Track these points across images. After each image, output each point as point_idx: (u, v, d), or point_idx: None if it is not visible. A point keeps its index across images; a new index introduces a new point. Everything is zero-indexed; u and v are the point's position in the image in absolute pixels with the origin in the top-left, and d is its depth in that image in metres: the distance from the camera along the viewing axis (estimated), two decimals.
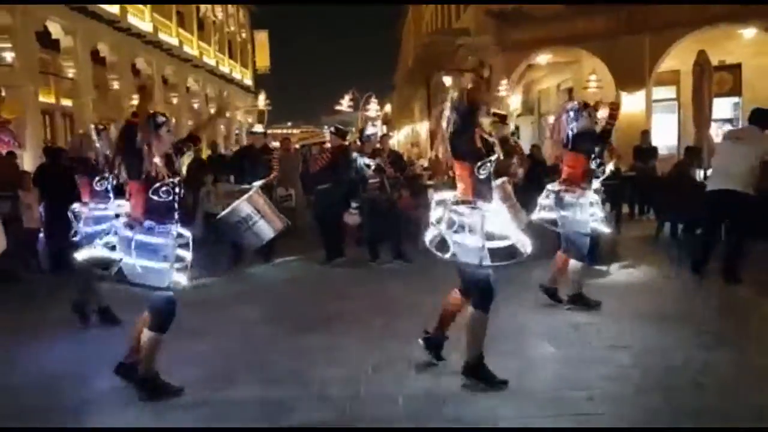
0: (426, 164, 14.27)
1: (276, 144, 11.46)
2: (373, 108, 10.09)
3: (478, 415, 3.27)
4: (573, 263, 4.98)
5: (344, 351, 4.32)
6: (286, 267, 7.40)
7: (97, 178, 4.88)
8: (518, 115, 18.68)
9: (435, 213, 3.58)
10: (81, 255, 3.75)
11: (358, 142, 7.46)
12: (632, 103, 12.83)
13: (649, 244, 7.88)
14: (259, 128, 8.13)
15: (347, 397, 3.56)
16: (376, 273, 6.89)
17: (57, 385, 3.90)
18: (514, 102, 17.63)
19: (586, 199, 4.88)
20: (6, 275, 6.74)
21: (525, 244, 3.53)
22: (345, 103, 10.33)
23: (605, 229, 5.13)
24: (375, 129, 7.58)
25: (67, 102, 17.69)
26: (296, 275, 7.02)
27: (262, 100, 10.48)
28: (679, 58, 12.54)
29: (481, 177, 3.48)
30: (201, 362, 4.17)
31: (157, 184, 3.45)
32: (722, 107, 12.55)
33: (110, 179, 4.86)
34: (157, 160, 3.42)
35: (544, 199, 5.05)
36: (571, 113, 4.80)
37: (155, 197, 3.45)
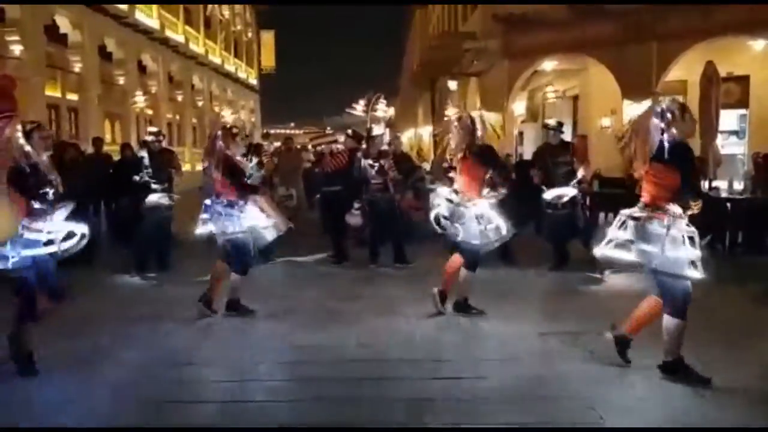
0: (429, 167, 14.25)
1: (276, 143, 11.42)
2: (381, 108, 10.07)
3: (476, 420, 3.23)
4: (668, 320, 3.64)
5: (343, 351, 4.29)
6: (285, 267, 7.36)
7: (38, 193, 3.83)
8: (522, 122, 18.67)
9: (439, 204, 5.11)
10: (199, 230, 5.19)
11: (364, 144, 7.44)
12: (638, 112, 12.77)
13: None
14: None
15: (345, 397, 3.53)
16: (376, 275, 6.85)
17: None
18: (518, 108, 17.63)
19: (678, 230, 3.56)
20: None
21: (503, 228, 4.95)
22: (359, 108, 10.30)
23: (696, 275, 3.57)
24: (382, 130, 7.55)
25: (72, 96, 17.72)
26: (296, 275, 6.98)
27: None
28: (686, 68, 12.48)
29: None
30: (200, 360, 4.16)
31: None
32: (729, 119, 12.49)
33: (51, 193, 3.90)
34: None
35: (618, 231, 3.80)
36: (668, 115, 3.63)
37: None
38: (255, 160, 7.36)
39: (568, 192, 6.65)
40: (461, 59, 16.10)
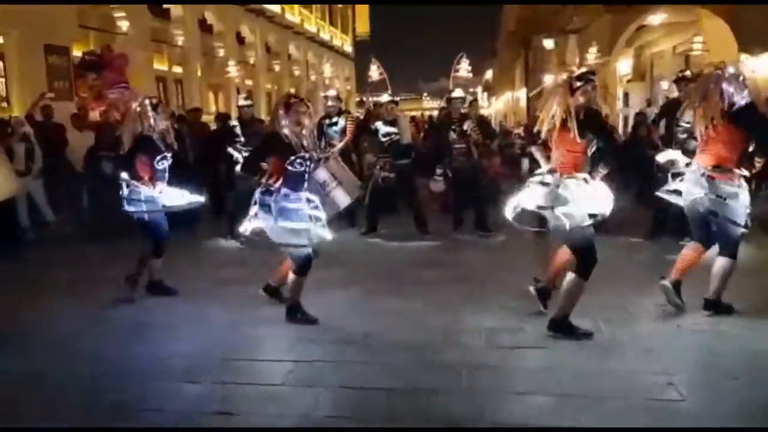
0: (522, 132, 13.71)
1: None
2: (463, 68, 9.65)
3: (533, 389, 3.15)
4: (723, 261, 4.12)
5: (417, 318, 4.31)
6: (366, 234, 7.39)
7: (158, 158, 4.69)
8: (628, 81, 17.44)
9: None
10: (244, 228, 4.26)
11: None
12: (758, 67, 11.50)
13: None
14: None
15: (414, 363, 3.55)
16: (458, 243, 6.77)
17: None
18: (623, 67, 16.47)
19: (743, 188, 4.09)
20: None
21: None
22: (463, 68, 9.89)
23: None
24: (462, 93, 7.31)
25: (177, 69, 18.75)
26: (377, 241, 7.05)
27: (375, 71, 10.08)
28: None
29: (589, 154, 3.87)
30: (278, 322, 4.33)
31: (293, 157, 4.02)
32: None
33: (169, 158, 4.74)
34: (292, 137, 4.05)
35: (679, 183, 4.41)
36: (740, 78, 4.12)
37: (290, 168, 4.03)
38: (339, 125, 7.45)
39: (682, 160, 5.96)
40: (559, 16, 15.26)
